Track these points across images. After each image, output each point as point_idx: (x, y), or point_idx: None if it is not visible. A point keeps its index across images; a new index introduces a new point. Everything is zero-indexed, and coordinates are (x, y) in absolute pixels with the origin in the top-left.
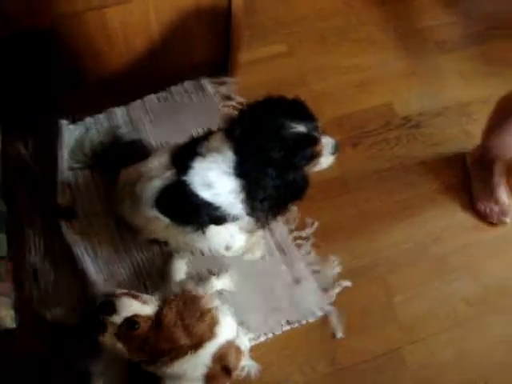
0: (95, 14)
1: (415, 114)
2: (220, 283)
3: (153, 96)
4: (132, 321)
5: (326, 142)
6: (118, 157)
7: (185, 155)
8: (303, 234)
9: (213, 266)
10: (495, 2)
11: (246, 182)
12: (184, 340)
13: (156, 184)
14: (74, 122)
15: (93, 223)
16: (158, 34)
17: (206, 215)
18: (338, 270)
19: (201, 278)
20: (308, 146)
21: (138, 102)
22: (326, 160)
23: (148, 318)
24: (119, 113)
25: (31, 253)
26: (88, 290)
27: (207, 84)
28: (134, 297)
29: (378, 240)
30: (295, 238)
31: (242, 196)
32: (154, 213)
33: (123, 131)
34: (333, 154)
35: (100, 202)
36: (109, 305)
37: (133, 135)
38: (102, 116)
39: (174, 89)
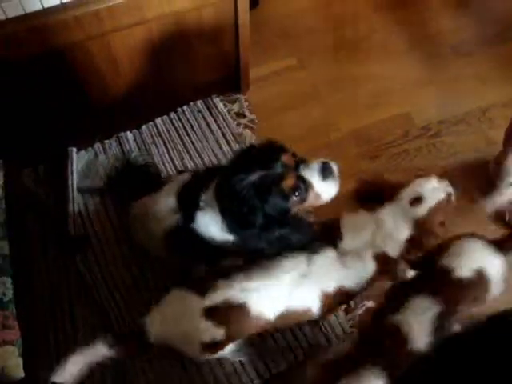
0: (98, 41)
1: (434, 122)
2: None
3: (164, 118)
4: None
5: (310, 169)
6: (131, 181)
7: (189, 201)
8: None
9: None
10: (507, 3)
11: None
12: None
13: (165, 225)
14: (83, 148)
15: (106, 251)
16: (163, 56)
17: (219, 254)
18: None
19: None
20: (267, 192)
21: (149, 125)
22: (320, 190)
23: None
24: (130, 137)
25: (46, 286)
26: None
27: (218, 102)
28: None
29: None
30: None
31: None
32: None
33: (135, 155)
34: (326, 178)
35: (112, 230)
36: None
37: (145, 158)
38: (111, 141)
39: (185, 109)
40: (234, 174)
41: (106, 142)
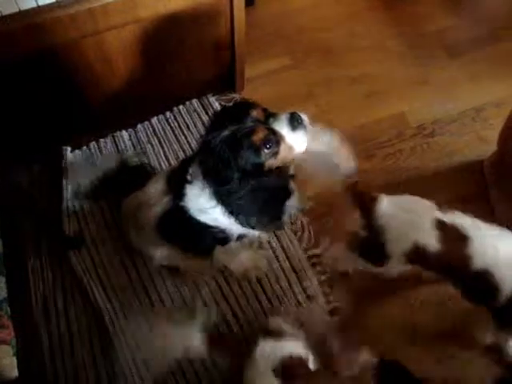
0: (92, 39)
1: (429, 122)
2: None
3: (160, 117)
4: None
5: (279, 121)
6: (124, 181)
7: (178, 180)
8: (318, 251)
9: None
10: (499, 2)
11: (224, 205)
12: None
13: (156, 211)
14: (78, 147)
15: (101, 251)
16: (158, 55)
17: (209, 238)
18: None
19: None
20: (238, 146)
21: (145, 124)
22: (291, 141)
23: None
24: (125, 136)
25: (40, 286)
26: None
27: (214, 102)
28: None
29: None
30: (310, 257)
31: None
32: (159, 240)
33: (130, 155)
34: (295, 128)
35: (107, 229)
36: None
37: (140, 158)
38: (106, 140)
39: (181, 108)
40: (209, 134)
41: (101, 140)
